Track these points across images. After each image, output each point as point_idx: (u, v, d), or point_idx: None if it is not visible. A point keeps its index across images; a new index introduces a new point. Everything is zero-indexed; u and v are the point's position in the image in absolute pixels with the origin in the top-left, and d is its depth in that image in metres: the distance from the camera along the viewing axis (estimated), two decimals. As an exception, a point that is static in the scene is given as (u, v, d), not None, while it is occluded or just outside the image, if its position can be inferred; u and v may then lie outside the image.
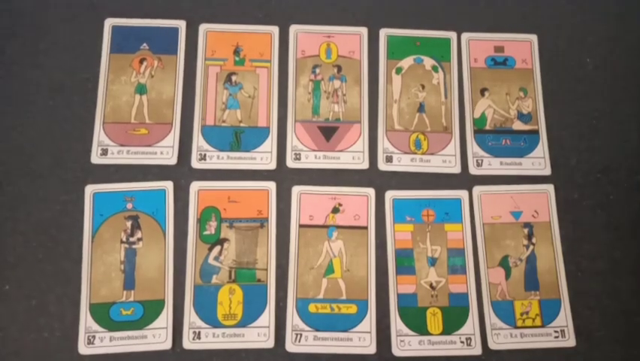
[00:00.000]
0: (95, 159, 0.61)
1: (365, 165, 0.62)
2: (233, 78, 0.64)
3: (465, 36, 0.67)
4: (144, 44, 0.64)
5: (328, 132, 0.63)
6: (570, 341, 0.58)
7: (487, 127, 0.64)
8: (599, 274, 0.61)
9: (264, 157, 0.62)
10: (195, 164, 0.61)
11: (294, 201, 0.61)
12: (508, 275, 0.60)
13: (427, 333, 0.58)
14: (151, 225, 0.59)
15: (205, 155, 0.61)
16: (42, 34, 0.65)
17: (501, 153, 0.63)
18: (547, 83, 0.66)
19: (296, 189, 0.61)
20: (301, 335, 0.57)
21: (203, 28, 0.65)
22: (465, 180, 0.63)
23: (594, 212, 0.62)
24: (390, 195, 0.61)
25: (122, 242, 0.59)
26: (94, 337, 0.56)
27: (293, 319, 0.57)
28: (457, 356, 0.57)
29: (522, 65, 0.66)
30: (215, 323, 0.57)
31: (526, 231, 0.61)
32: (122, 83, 0.63)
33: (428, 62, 0.66)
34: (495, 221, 0.61)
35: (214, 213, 0.60)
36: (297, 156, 0.62)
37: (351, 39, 0.66)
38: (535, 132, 0.64)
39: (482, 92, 0.65)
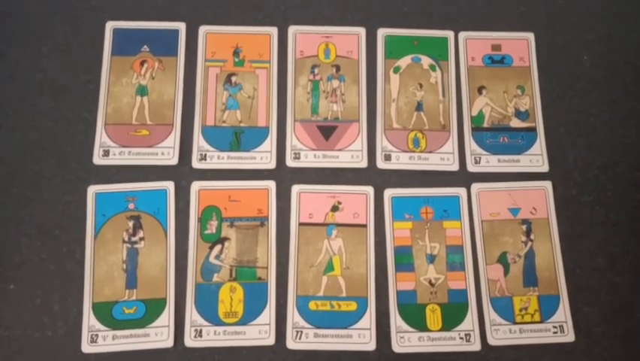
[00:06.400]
0: (97, 160, 0.61)
1: (364, 164, 0.63)
2: (233, 79, 0.65)
3: (462, 35, 0.67)
4: (145, 46, 0.65)
5: (327, 131, 0.64)
6: (569, 337, 0.58)
7: (485, 125, 0.65)
8: (597, 270, 0.61)
9: (263, 157, 0.62)
10: (196, 164, 0.62)
11: (293, 200, 0.61)
12: (506, 271, 0.60)
13: (427, 329, 0.58)
14: (153, 224, 0.60)
15: (205, 155, 0.62)
16: (44, 38, 0.66)
17: (499, 150, 0.64)
18: (544, 81, 0.66)
19: (295, 188, 0.62)
20: (302, 332, 0.58)
21: (202, 29, 0.66)
22: (463, 177, 0.63)
23: (592, 208, 0.63)
24: (389, 193, 0.62)
25: (124, 242, 0.59)
26: (97, 335, 0.57)
27: (293, 316, 0.58)
28: (456, 352, 0.58)
29: (519, 63, 0.67)
30: (216, 321, 0.58)
31: (524, 227, 0.61)
32: (123, 85, 0.64)
33: (426, 61, 0.66)
34: (493, 218, 0.62)
35: (215, 212, 0.61)
36: (297, 156, 0.62)
37: (349, 39, 0.67)
38: (533, 130, 0.65)
39: (480, 90, 0.66)
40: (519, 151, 0.64)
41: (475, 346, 0.58)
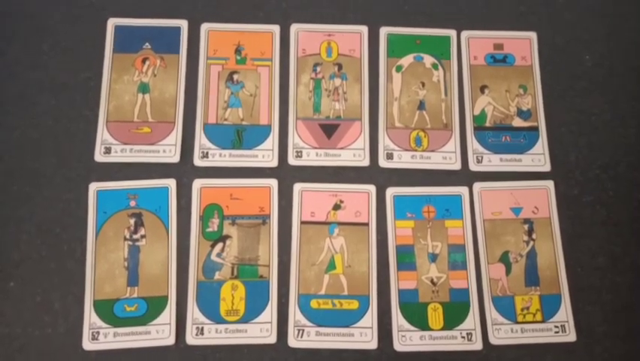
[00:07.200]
0: (99, 157, 0.61)
1: (366, 163, 0.63)
2: (235, 77, 0.65)
3: (464, 34, 0.67)
4: (147, 44, 0.65)
5: (329, 130, 0.63)
6: (571, 336, 0.58)
7: (487, 124, 0.65)
8: (598, 269, 0.61)
9: (265, 155, 0.62)
10: (198, 162, 0.62)
11: (295, 198, 0.61)
12: (508, 271, 0.60)
13: (428, 328, 0.58)
14: (154, 222, 0.60)
15: (207, 153, 0.62)
16: (45, 35, 0.65)
17: (501, 149, 0.64)
18: (546, 80, 0.66)
19: (297, 187, 0.61)
20: (303, 330, 0.58)
21: (204, 27, 0.66)
22: (465, 176, 0.63)
23: (594, 208, 0.63)
24: (390, 191, 0.62)
25: (125, 239, 0.59)
26: (98, 333, 0.57)
27: (295, 314, 0.58)
28: (458, 351, 0.58)
29: (521, 62, 0.67)
30: (217, 319, 0.58)
31: (526, 227, 0.61)
32: (124, 83, 0.64)
33: (428, 59, 0.66)
34: (495, 217, 0.62)
35: (216, 210, 0.60)
36: (299, 154, 0.62)
37: (351, 38, 0.66)
38: (535, 129, 0.65)
39: (482, 89, 0.66)
40: (521, 150, 0.64)
41: (477, 345, 0.58)
